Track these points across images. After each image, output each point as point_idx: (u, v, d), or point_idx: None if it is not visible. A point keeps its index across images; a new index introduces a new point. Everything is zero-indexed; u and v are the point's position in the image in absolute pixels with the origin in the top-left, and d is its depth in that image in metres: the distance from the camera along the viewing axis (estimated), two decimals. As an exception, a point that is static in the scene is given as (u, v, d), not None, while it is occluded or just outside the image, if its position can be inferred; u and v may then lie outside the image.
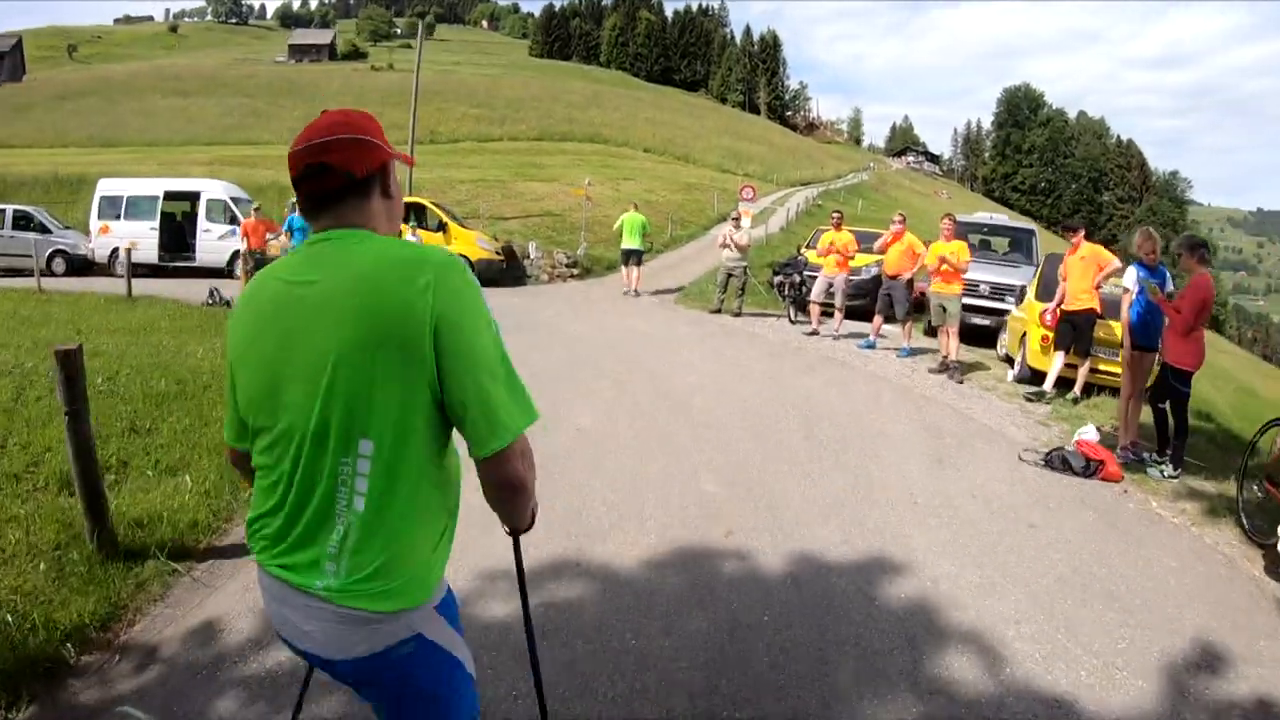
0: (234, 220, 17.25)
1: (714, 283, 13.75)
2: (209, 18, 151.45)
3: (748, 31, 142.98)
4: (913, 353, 10.08)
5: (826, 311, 11.39)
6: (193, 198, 18.59)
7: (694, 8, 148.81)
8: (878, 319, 10.43)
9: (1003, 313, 11.37)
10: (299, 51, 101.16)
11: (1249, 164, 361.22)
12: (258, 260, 11.48)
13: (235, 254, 14.24)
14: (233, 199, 18.02)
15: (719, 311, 12.90)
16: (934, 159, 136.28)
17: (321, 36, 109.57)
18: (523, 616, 1.84)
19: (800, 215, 31.93)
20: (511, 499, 1.47)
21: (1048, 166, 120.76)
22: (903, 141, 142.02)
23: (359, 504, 1.36)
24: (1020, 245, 14.49)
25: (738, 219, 13.37)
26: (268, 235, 12.29)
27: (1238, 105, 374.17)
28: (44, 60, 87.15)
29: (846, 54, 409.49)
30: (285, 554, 1.42)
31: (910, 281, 10.19)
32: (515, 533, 1.67)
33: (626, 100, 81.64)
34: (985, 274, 11.96)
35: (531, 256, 18.76)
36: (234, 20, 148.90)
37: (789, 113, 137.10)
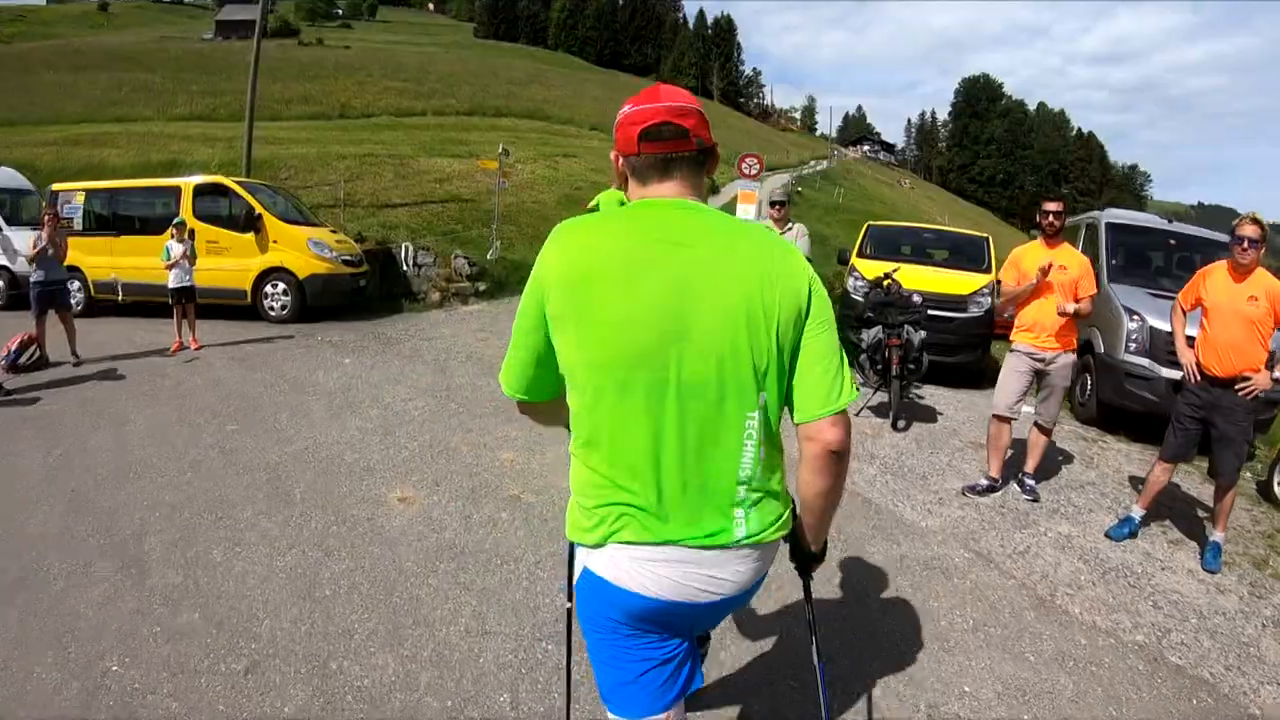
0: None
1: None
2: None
3: (701, 15, 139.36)
4: (1218, 552, 4.19)
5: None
6: None
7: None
8: (1161, 473, 4.36)
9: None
10: (227, 28, 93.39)
11: (1189, 160, 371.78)
12: None
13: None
14: (5, 190, 11.44)
15: None
16: (889, 148, 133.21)
17: (250, 12, 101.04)
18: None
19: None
20: (832, 468, 1.53)
21: (1006, 158, 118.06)
22: (858, 131, 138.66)
23: (762, 452, 1.49)
24: None
25: (781, 208, 6.85)
26: None
27: (1178, 102, 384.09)
28: (-44, 43, 76.92)
29: (793, 45, 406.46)
30: (697, 520, 1.46)
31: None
32: (808, 562, 1.78)
33: (572, 79, 75.62)
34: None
35: (416, 264, 12.32)
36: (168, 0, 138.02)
37: (742, 99, 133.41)
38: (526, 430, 5.61)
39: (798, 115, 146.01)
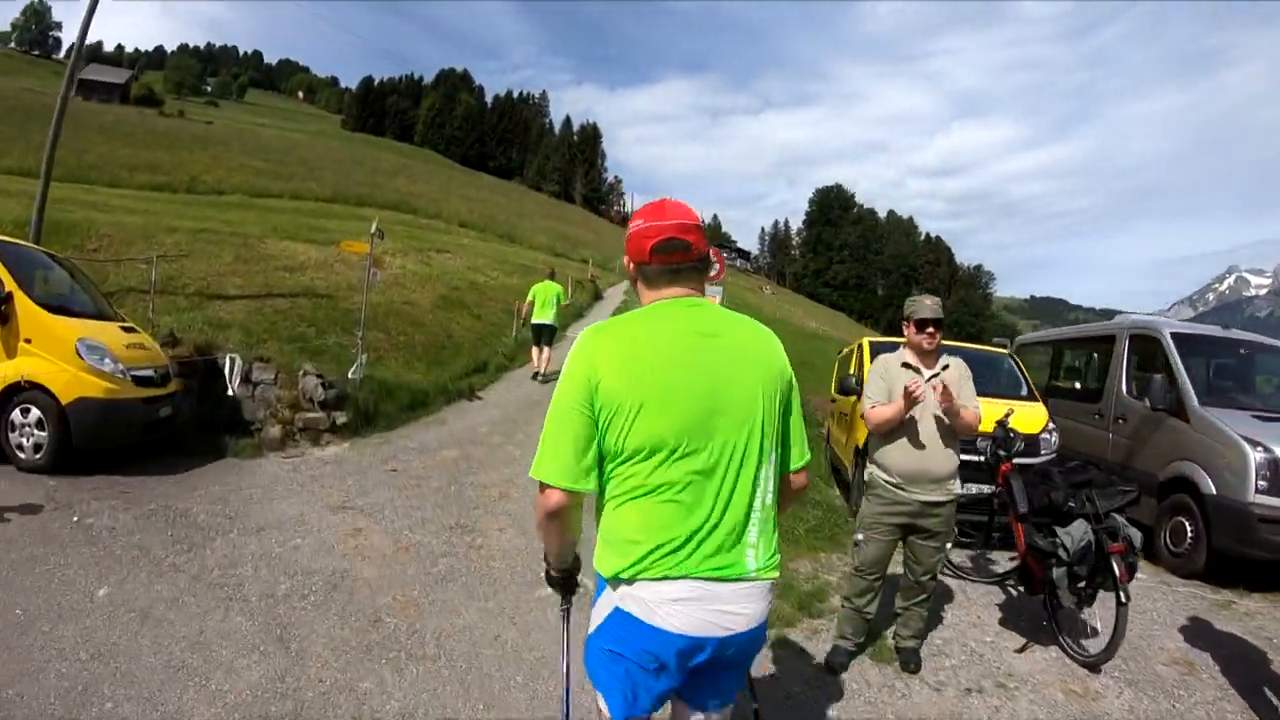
0: None
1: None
2: (12, 45, 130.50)
3: (567, 122, 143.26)
4: None
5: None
6: None
7: (515, 95, 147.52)
8: None
9: None
10: (89, 89, 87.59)
11: (1019, 258, 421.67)
12: None
13: None
14: None
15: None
16: (745, 256, 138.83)
17: (115, 76, 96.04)
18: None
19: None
20: (799, 498, 2.10)
21: (859, 263, 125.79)
22: (714, 240, 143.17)
23: (768, 499, 1.85)
24: None
25: (935, 332, 3.99)
26: None
27: (1012, 207, 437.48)
28: None
29: (650, 156, 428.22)
30: (718, 555, 1.75)
31: None
32: None
33: (439, 175, 73.71)
34: None
35: (249, 382, 9.12)
36: (36, 52, 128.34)
37: (603, 205, 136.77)
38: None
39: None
